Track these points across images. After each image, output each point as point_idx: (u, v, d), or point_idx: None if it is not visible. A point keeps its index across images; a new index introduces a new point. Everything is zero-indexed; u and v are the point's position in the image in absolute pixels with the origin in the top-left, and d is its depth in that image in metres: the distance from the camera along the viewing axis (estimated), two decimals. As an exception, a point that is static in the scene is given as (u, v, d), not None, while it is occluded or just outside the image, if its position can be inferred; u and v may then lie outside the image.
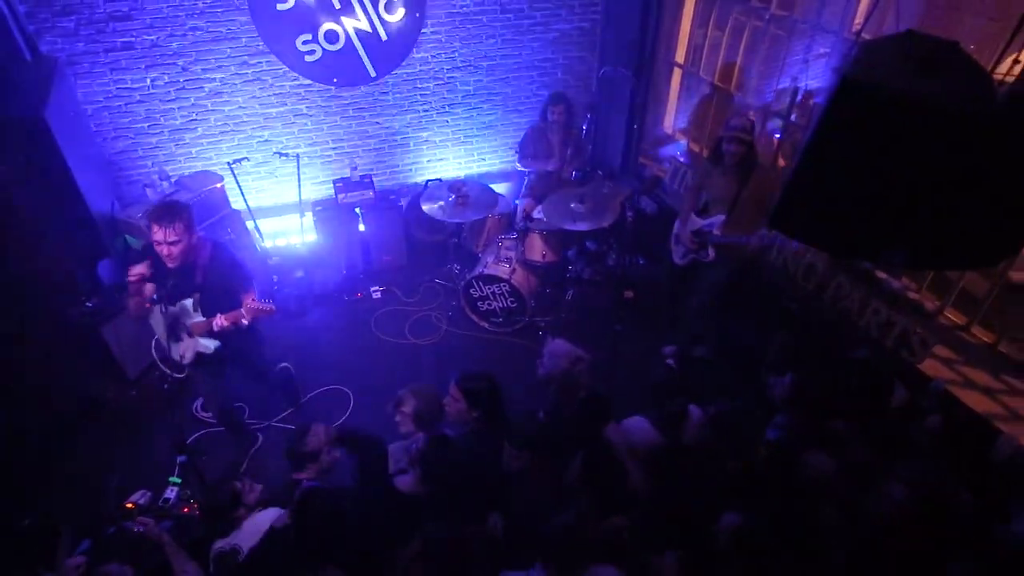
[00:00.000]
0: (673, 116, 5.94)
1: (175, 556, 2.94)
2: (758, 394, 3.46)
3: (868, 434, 2.97)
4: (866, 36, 3.60)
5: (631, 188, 5.47)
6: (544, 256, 5.11)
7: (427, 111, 5.79)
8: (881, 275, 3.92)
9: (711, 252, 4.22)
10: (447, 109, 5.83)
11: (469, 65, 5.66)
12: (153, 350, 4.07)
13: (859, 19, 4.19)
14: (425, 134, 5.91)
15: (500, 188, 5.95)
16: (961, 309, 3.68)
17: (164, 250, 3.07)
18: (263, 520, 2.87)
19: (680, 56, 5.56)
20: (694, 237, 4.24)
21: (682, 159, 5.50)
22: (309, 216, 5.62)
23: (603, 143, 6.25)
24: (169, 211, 3.05)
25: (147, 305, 3.24)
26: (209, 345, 3.43)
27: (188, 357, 3.48)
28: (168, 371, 3.93)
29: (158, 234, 3.03)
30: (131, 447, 4.25)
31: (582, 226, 4.58)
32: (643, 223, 5.50)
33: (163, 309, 3.16)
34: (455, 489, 2.76)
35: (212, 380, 3.72)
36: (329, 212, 5.54)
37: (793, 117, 4.47)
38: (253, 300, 3.20)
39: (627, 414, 3.25)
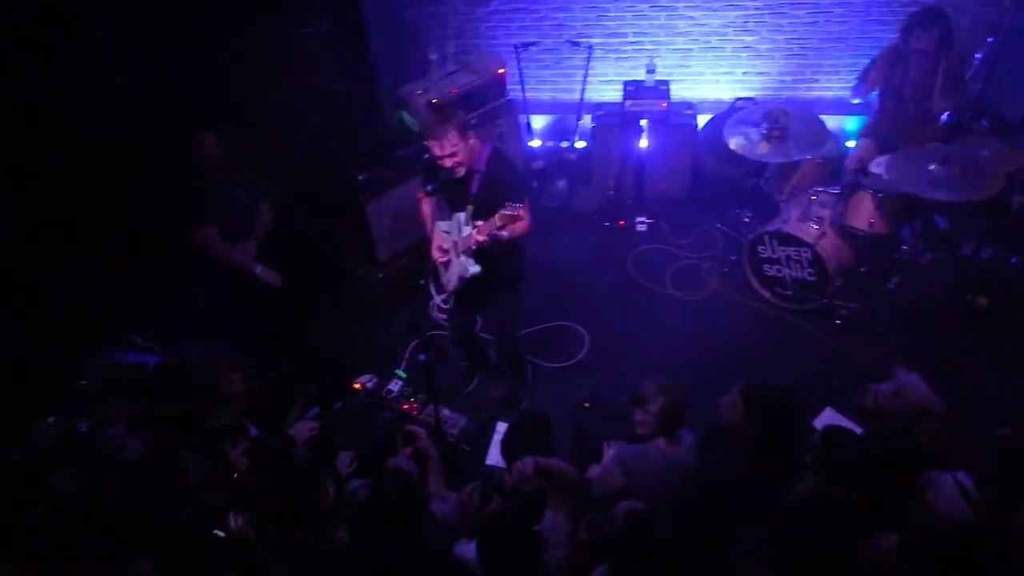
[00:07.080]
0: None
1: (435, 474, 2.99)
2: None
3: None
4: None
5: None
6: (871, 224, 4.15)
7: (759, 9, 4.90)
8: None
9: None
10: (785, 10, 4.87)
11: (832, -48, 4.57)
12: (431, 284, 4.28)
13: None
14: (749, 39, 5.04)
15: (831, 122, 4.85)
16: None
17: (447, 163, 3.12)
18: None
19: None
20: None
21: None
22: (587, 120, 5.21)
23: (1002, 83, 4.53)
24: (438, 116, 3.10)
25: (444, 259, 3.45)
26: (470, 268, 3.37)
27: (453, 282, 3.51)
28: (435, 294, 4.26)
29: (436, 149, 3.09)
30: (368, 328, 4.41)
31: (939, 195, 3.67)
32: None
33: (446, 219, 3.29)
34: None
35: (463, 313, 3.75)
36: (610, 119, 5.07)
37: None
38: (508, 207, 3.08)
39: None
